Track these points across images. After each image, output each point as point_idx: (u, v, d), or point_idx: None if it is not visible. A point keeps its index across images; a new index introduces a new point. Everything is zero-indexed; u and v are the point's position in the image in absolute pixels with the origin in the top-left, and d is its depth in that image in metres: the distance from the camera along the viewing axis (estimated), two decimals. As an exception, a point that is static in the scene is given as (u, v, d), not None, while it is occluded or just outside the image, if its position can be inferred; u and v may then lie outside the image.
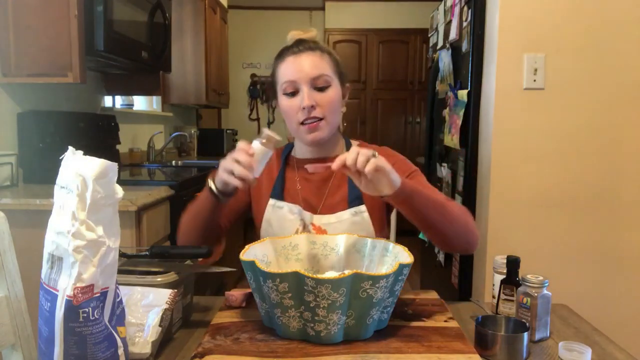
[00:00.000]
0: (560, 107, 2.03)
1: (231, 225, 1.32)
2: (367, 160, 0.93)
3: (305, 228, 1.21)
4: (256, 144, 1.05)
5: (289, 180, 1.27)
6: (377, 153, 0.95)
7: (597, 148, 2.04)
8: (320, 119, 1.17)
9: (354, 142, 1.31)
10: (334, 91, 1.19)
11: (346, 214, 1.20)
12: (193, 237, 1.20)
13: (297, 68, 1.16)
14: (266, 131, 1.06)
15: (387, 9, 5.46)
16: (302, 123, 1.17)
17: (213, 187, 1.09)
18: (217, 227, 1.24)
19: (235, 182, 1.01)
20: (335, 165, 0.95)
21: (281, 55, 1.21)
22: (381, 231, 1.23)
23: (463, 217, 1.11)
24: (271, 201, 1.24)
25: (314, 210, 1.23)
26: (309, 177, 1.25)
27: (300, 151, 1.29)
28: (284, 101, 1.19)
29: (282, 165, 1.28)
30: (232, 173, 1.01)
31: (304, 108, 1.15)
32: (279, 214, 1.23)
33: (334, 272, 1.07)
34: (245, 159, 1.00)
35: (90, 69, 2.63)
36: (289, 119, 1.20)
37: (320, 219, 1.21)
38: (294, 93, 1.17)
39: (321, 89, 1.17)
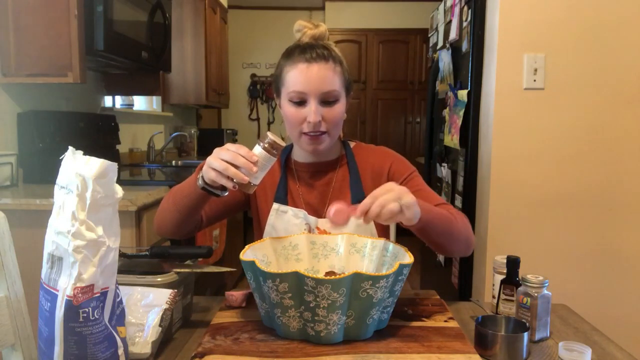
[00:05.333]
0: (560, 107, 2.03)
1: (215, 219, 1.27)
2: (392, 211, 0.93)
3: (310, 232, 1.20)
4: (258, 150, 0.97)
5: (290, 184, 1.26)
6: (403, 192, 0.95)
7: (597, 148, 2.04)
8: (324, 133, 1.16)
9: (351, 143, 1.30)
10: (341, 106, 1.17)
11: (351, 218, 1.20)
12: (168, 225, 1.16)
13: (308, 80, 1.12)
14: (270, 136, 0.98)
15: (387, 9, 5.47)
16: (304, 133, 1.16)
17: (201, 183, 1.03)
18: (197, 219, 1.19)
19: (229, 185, 0.96)
20: (357, 215, 0.97)
21: (291, 55, 1.16)
22: (384, 235, 1.23)
23: (465, 232, 1.13)
24: (275, 205, 1.23)
25: (317, 214, 1.23)
26: (311, 182, 1.25)
27: (300, 155, 1.28)
28: (289, 108, 1.16)
29: (283, 168, 1.26)
30: (223, 174, 0.95)
31: (309, 122, 1.13)
32: (284, 219, 1.22)
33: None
34: (246, 164, 0.94)
35: (90, 69, 2.63)
36: (291, 126, 1.18)
37: (324, 224, 1.20)
38: (300, 102, 1.14)
39: (329, 104, 1.15)
